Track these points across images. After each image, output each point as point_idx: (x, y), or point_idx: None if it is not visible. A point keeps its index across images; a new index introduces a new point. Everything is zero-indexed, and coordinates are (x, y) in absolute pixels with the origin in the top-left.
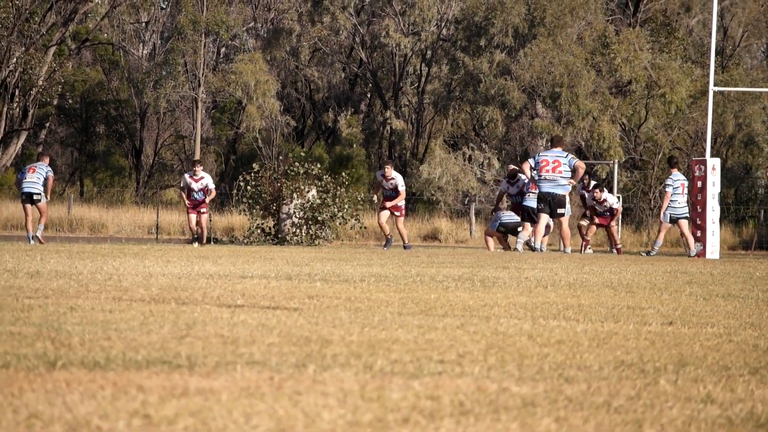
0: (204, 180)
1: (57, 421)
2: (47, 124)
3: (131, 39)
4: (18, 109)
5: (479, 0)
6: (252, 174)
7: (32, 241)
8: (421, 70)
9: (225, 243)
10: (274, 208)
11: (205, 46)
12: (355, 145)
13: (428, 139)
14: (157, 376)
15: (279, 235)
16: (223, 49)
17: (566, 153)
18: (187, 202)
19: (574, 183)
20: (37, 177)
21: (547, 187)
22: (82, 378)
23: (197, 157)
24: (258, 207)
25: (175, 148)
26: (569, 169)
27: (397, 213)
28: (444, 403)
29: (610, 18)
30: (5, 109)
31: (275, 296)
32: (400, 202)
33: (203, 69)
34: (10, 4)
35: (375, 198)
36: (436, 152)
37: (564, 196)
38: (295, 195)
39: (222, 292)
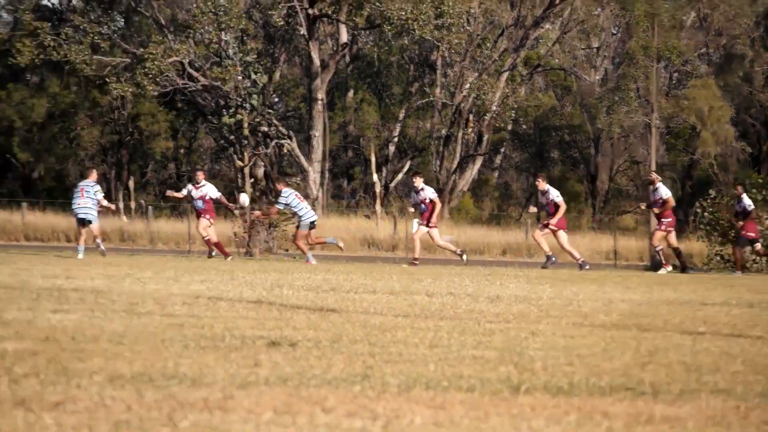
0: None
1: None
2: (502, 150)
3: (582, 64)
4: (473, 135)
5: None
6: (708, 200)
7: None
8: None
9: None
10: (733, 235)
11: (656, 71)
12: None
13: None
14: (621, 402)
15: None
16: (675, 75)
17: None
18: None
19: None
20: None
21: None
22: (546, 403)
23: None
24: (716, 234)
25: (629, 173)
26: None
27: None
28: None
29: None
30: (461, 134)
31: (737, 324)
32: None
33: (656, 94)
34: (462, 30)
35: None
36: None
37: None
38: None
39: (683, 319)
